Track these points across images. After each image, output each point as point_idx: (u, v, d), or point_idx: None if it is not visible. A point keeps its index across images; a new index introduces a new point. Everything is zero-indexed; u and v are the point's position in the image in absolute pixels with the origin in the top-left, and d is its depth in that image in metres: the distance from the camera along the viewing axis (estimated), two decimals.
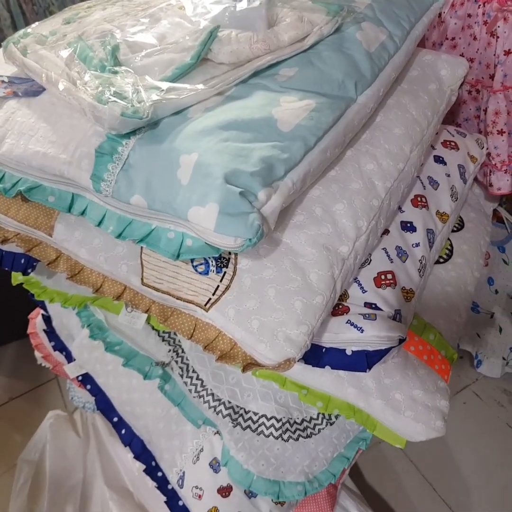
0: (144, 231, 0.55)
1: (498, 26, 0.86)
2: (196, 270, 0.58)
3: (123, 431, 0.92)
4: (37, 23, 0.73)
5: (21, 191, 0.61)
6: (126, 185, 0.53)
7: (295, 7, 0.61)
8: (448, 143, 0.80)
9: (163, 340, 0.80)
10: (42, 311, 1.07)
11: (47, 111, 0.62)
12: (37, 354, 1.15)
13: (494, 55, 0.89)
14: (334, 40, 0.62)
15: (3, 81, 0.69)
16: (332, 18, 0.62)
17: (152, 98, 0.53)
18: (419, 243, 0.68)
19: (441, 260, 0.78)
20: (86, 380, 0.98)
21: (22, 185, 0.62)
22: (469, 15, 0.89)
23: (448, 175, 0.76)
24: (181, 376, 0.78)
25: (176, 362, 0.79)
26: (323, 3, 0.63)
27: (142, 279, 0.61)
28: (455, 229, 0.82)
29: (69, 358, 1.01)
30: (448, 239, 0.80)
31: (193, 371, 0.77)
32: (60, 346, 1.02)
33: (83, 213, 0.59)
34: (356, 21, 0.63)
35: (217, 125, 0.53)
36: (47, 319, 1.05)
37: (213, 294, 0.57)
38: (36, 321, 1.11)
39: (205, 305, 0.57)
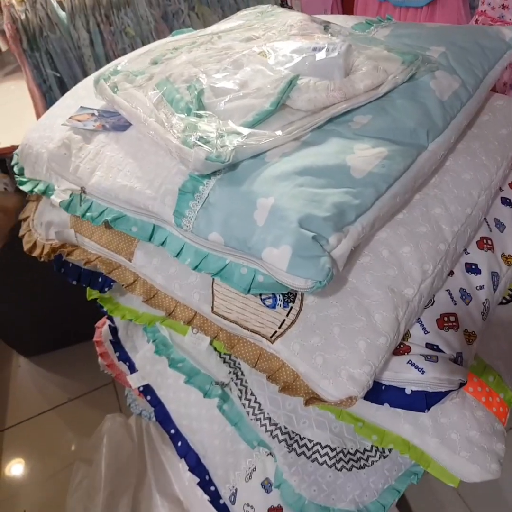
0: (219, 265, 0.59)
1: None
2: (264, 303, 0.61)
3: (179, 444, 0.96)
4: (125, 60, 0.79)
5: (108, 221, 0.66)
6: (205, 222, 0.57)
7: (371, 56, 0.64)
8: None
9: (224, 361, 0.84)
10: (108, 322, 1.13)
11: (134, 147, 0.67)
12: (101, 361, 1.21)
13: None
14: (408, 88, 0.64)
15: (93, 114, 0.76)
16: (406, 67, 0.64)
17: (234, 143, 0.56)
18: (483, 285, 0.68)
19: (504, 301, 0.78)
20: (146, 391, 1.03)
21: (108, 214, 0.67)
22: None
23: None
24: (240, 397, 0.81)
25: (236, 384, 0.82)
26: (398, 52, 0.65)
27: (212, 308, 0.64)
28: None
29: (132, 368, 1.07)
30: None
31: (251, 394, 0.80)
32: (124, 357, 1.08)
33: (162, 243, 0.64)
34: (429, 70, 0.65)
35: (293, 170, 0.56)
36: (113, 330, 1.11)
37: (279, 327, 0.60)
38: (102, 331, 1.17)
39: (271, 337, 0.60)
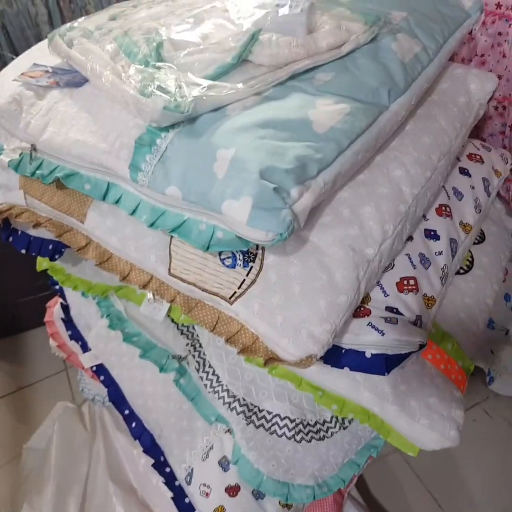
0: (177, 222, 0.57)
1: None
2: (223, 263, 0.59)
3: (133, 425, 0.93)
4: (83, 18, 0.76)
5: (59, 177, 0.63)
6: (163, 176, 0.55)
7: (335, 15, 0.63)
8: (473, 156, 0.81)
9: (182, 333, 0.82)
10: (60, 300, 1.09)
11: (89, 102, 0.64)
12: (52, 343, 1.16)
13: None
14: (370, 48, 0.64)
15: (47, 71, 0.72)
16: (369, 28, 0.63)
17: (194, 94, 0.54)
18: (442, 251, 0.69)
19: (462, 271, 0.79)
20: (100, 370, 0.99)
21: (60, 171, 0.64)
22: (500, 33, 0.91)
23: (473, 187, 0.77)
24: (197, 370, 0.79)
25: (193, 356, 0.80)
26: (361, 13, 0.65)
27: (169, 269, 0.62)
28: (476, 241, 0.83)
29: (85, 348, 1.03)
30: (469, 250, 0.81)
31: (210, 366, 0.78)
32: (76, 336, 1.04)
33: (117, 201, 0.61)
34: (391, 32, 0.65)
35: (254, 123, 0.54)
36: (65, 308, 1.07)
37: (239, 288, 0.58)
38: (54, 310, 1.13)
39: (230, 298, 0.58)
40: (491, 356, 1.30)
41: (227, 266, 0.59)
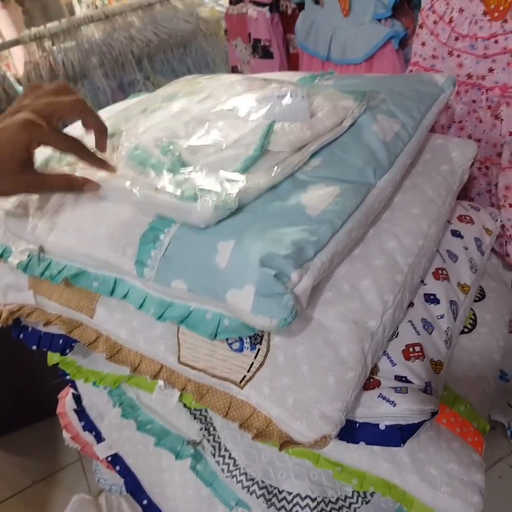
0: (183, 313, 0.59)
1: (502, 110, 0.93)
2: (231, 348, 0.61)
3: None
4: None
5: (67, 277, 0.65)
6: (167, 270, 0.57)
7: (327, 97, 0.70)
8: (463, 217, 0.84)
9: (195, 417, 0.81)
10: (72, 390, 1.09)
11: (94, 203, 0.66)
12: (65, 434, 1.15)
13: (500, 135, 0.96)
14: (353, 132, 0.68)
15: None
16: (360, 102, 0.70)
17: (235, 190, 0.57)
18: (443, 314, 0.70)
19: (466, 330, 0.80)
20: (115, 461, 0.98)
21: (68, 271, 0.66)
22: (474, 101, 0.97)
23: (466, 248, 0.79)
24: (213, 455, 0.78)
25: (208, 440, 0.79)
26: (348, 91, 0.71)
27: (179, 358, 0.63)
28: (477, 299, 0.84)
29: (98, 438, 1.02)
30: (471, 309, 0.82)
31: (225, 449, 0.77)
32: (89, 426, 1.03)
33: (125, 296, 0.63)
34: (371, 114, 0.70)
35: (251, 213, 0.58)
36: (77, 398, 1.06)
37: (248, 371, 0.59)
38: (65, 401, 1.12)
39: (240, 382, 0.59)
40: (509, 409, 1.27)
41: (235, 350, 0.61)
